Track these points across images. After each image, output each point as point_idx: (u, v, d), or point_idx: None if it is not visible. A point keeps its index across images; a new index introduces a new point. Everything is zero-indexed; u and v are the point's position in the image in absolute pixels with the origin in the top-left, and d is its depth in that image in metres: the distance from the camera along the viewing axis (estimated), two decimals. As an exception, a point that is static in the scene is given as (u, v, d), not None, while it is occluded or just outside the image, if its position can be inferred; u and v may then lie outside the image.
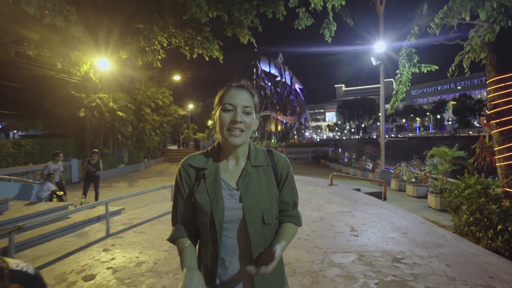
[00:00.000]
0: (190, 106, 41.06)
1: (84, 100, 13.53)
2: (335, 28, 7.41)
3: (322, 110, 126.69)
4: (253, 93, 1.12)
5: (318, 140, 55.37)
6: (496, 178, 5.26)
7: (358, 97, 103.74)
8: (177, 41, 7.96)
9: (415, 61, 7.38)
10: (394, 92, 8.01)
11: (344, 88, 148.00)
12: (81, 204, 7.86)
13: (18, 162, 10.73)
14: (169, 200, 7.27)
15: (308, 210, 5.63)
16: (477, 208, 4.82)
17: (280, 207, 1.16)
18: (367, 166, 16.36)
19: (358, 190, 8.86)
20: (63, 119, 14.49)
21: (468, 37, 4.85)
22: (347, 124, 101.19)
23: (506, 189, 4.64)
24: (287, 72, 34.17)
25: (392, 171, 11.92)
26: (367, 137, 71.75)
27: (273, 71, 34.96)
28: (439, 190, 7.83)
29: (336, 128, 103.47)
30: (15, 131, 33.00)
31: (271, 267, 0.93)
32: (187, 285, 0.89)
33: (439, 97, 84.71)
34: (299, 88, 38.27)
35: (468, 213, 5.01)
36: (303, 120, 43.50)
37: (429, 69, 8.06)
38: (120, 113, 14.32)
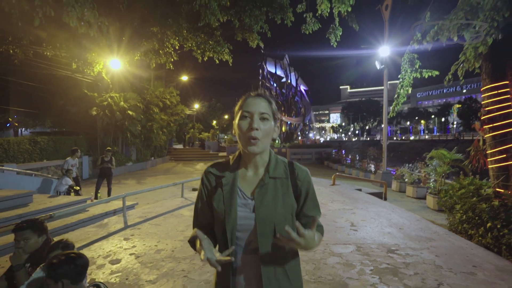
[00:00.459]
0: (196, 105, 41.52)
1: (96, 99, 14.00)
2: (340, 33, 7.73)
3: (327, 111, 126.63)
4: (270, 101, 1.12)
5: (322, 141, 55.60)
6: (489, 180, 5.58)
7: (363, 98, 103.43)
8: (190, 44, 8.36)
9: (417, 66, 7.72)
10: (396, 96, 8.34)
11: (349, 90, 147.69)
12: (96, 198, 8.32)
13: (33, 158, 11.21)
14: (179, 197, 7.67)
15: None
16: (470, 207, 5.15)
17: (303, 220, 1.15)
18: (369, 168, 16.64)
19: (360, 190, 9.19)
20: (75, 117, 14.99)
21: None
22: (352, 125, 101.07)
23: (497, 189, 4.97)
24: (292, 74, 34.47)
25: (394, 172, 12.22)
26: (370, 139, 71.79)
27: (279, 72, 35.29)
28: (437, 191, 8.14)
29: (340, 130, 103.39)
30: (23, 128, 33.71)
31: (301, 237, 0.93)
32: (205, 248, 0.95)
33: (444, 100, 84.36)
34: (304, 89, 38.54)
35: (461, 212, 5.33)
36: (307, 121, 43.77)
37: (430, 74, 8.40)
38: (130, 112, 14.79)
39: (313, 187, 1.17)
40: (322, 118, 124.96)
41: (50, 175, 8.49)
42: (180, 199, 7.25)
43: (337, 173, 11.77)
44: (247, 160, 1.13)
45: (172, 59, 9.22)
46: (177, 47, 9.13)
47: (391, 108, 8.80)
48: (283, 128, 34.29)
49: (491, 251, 4.28)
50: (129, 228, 4.96)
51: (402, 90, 8.27)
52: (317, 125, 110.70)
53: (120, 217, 5.73)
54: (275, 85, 36.41)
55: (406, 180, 10.70)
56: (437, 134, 69.79)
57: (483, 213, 4.80)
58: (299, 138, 36.83)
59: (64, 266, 1.72)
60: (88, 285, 1.86)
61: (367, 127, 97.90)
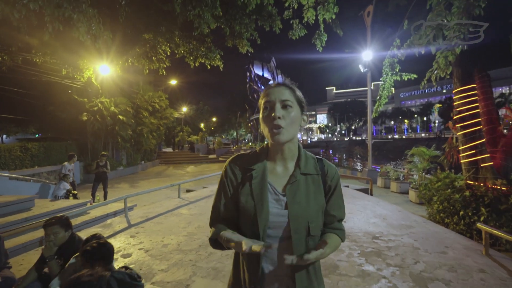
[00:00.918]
0: (184, 109, 41.53)
1: (86, 105, 14.07)
2: (326, 39, 8.20)
3: (314, 113, 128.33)
4: (292, 88, 1.06)
5: (309, 142, 56.44)
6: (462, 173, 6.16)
7: (349, 99, 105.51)
8: (182, 51, 8.67)
9: (397, 70, 8.29)
10: (378, 97, 8.90)
11: (335, 91, 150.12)
12: (93, 202, 8.49)
13: (25, 165, 11.22)
14: (175, 198, 7.96)
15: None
16: (445, 198, 5.69)
17: (326, 219, 1.10)
18: (356, 166, 17.30)
19: (347, 187, 9.71)
20: (65, 123, 14.98)
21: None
22: (338, 126, 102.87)
23: (468, 181, 5.53)
24: (279, 76, 35.08)
25: (379, 170, 12.84)
26: (357, 139, 73.38)
27: (266, 74, 35.83)
28: (418, 186, 8.74)
29: (327, 130, 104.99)
30: (4, 135, 32.82)
31: (310, 257, 0.89)
32: (243, 239, 0.93)
33: (426, 100, 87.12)
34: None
35: (438, 203, 5.88)
36: (295, 122, 44.42)
37: (409, 77, 9.00)
38: (121, 117, 14.91)
39: (340, 186, 1.13)
40: (309, 119, 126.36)
41: (47, 181, 8.60)
42: (177, 200, 7.54)
43: (325, 172, 12.25)
44: (274, 152, 1.08)
45: (165, 65, 9.50)
46: (169, 53, 9.41)
47: (374, 108, 9.35)
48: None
49: (464, 236, 4.80)
50: (133, 227, 5.25)
51: (383, 92, 8.83)
52: (306, 125, 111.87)
53: (121, 217, 5.99)
54: (262, 87, 36.90)
55: (390, 176, 11.31)
56: (420, 132, 72.04)
57: (456, 203, 5.35)
58: (287, 139, 37.42)
59: (97, 252, 2.08)
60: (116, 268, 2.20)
61: (353, 127, 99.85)
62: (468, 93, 5.71)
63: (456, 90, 5.92)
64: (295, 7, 7.60)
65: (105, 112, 14.42)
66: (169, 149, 32.89)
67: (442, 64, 5.01)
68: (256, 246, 0.86)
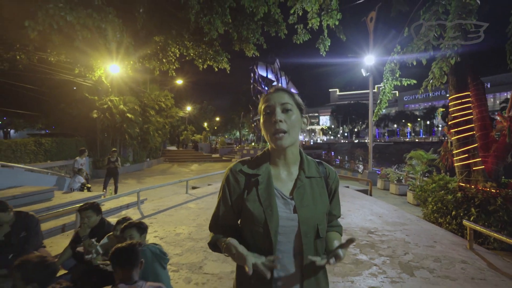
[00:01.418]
0: (188, 108, 41.99)
1: (96, 102, 14.53)
2: (329, 44, 8.52)
3: (316, 114, 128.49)
4: (291, 93, 1.08)
5: (312, 143, 56.75)
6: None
7: (352, 101, 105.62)
8: (192, 54, 9.08)
9: (397, 75, 8.60)
10: (378, 101, 9.23)
11: (338, 93, 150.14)
12: (105, 195, 8.92)
13: (38, 159, 11.69)
14: (182, 193, 8.36)
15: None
16: (439, 199, 6.04)
17: (327, 219, 1.13)
18: (357, 168, 17.64)
19: (347, 187, 10.06)
20: (76, 119, 15.45)
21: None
22: (341, 128, 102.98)
23: (460, 183, 5.89)
24: (283, 78, 35.38)
25: (379, 172, 13.18)
26: (358, 141, 73.61)
27: (270, 76, 36.10)
28: (415, 187, 9.08)
29: (330, 132, 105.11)
30: (12, 130, 33.43)
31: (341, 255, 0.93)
32: (247, 254, 0.90)
33: (430, 104, 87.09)
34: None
35: (432, 203, 6.22)
36: (298, 123, 44.63)
37: (409, 82, 9.33)
38: (129, 115, 15.37)
39: (339, 186, 1.19)
40: (312, 121, 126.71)
41: (63, 174, 9.04)
42: (185, 195, 7.95)
43: (327, 173, 12.61)
44: (277, 157, 1.08)
45: (174, 67, 9.91)
46: (178, 55, 9.83)
47: (374, 112, 9.68)
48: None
49: (456, 234, 5.15)
50: (146, 218, 5.65)
51: (384, 97, 9.15)
52: (307, 127, 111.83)
53: (135, 209, 6.41)
54: (266, 88, 37.22)
55: (390, 178, 11.64)
56: (423, 136, 72.13)
57: (449, 204, 5.70)
58: (290, 140, 37.67)
59: (133, 228, 2.49)
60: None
61: (356, 130, 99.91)
62: (463, 100, 6.05)
63: (451, 97, 6.27)
64: (300, 14, 7.94)
65: (114, 110, 14.87)
66: (173, 147, 33.39)
67: (437, 74, 5.37)
68: (260, 264, 0.88)
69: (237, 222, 1.11)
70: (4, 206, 3.22)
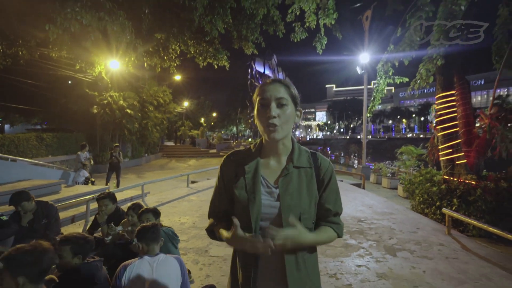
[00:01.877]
0: (185, 103, 42.11)
1: (96, 98, 14.74)
2: (325, 42, 8.83)
3: (313, 110, 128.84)
4: (287, 85, 1.08)
5: (308, 139, 57.24)
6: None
7: (348, 97, 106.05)
8: (193, 52, 9.37)
9: (390, 74, 8.96)
10: (372, 98, 9.60)
11: (334, 88, 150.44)
12: (109, 189, 9.24)
13: (40, 154, 11.94)
14: (183, 187, 8.71)
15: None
16: (425, 191, 6.47)
17: (320, 213, 1.11)
18: (352, 163, 18.10)
19: (341, 181, 10.49)
20: (75, 115, 15.66)
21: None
22: (337, 124, 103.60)
23: (445, 176, 6.31)
24: (280, 73, 35.67)
25: (372, 167, 13.63)
26: (354, 137, 74.32)
27: (267, 71, 36.37)
28: (404, 181, 9.52)
29: (326, 128, 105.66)
30: (8, 125, 33.27)
31: (278, 237, 0.92)
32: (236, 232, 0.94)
33: (425, 100, 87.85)
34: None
35: (419, 195, 6.65)
36: (294, 119, 44.98)
37: (401, 80, 9.69)
38: (129, 111, 15.61)
39: (335, 179, 1.15)
40: (308, 116, 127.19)
41: (67, 168, 9.34)
42: (186, 189, 8.31)
43: (322, 167, 13.03)
44: (269, 148, 1.12)
45: (175, 64, 10.18)
46: (178, 52, 10.10)
47: (368, 108, 10.06)
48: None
49: (439, 223, 5.58)
50: (151, 209, 6.00)
51: (377, 94, 9.52)
52: (303, 123, 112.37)
53: (139, 202, 6.74)
54: (263, 84, 37.38)
55: (382, 172, 12.09)
56: (418, 132, 73.00)
57: (434, 195, 6.13)
58: (287, 135, 38.06)
59: (150, 213, 2.85)
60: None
61: (351, 126, 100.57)
62: (448, 99, 6.46)
63: (438, 96, 6.67)
64: (298, 13, 8.24)
65: (114, 105, 15.10)
66: (171, 143, 33.62)
67: (424, 75, 5.75)
68: (244, 234, 0.94)
69: (232, 209, 1.14)
70: (27, 196, 3.57)
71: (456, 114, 6.39)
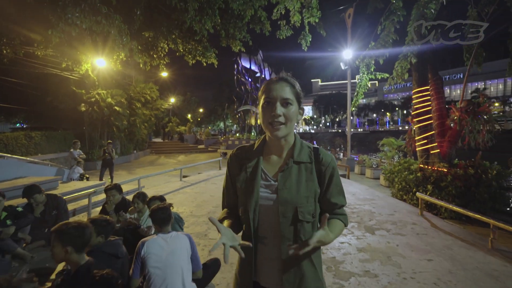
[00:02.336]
0: (172, 99, 41.92)
1: (84, 96, 14.71)
2: (310, 39, 9.23)
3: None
4: (293, 84, 1.11)
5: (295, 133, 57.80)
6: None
7: (333, 91, 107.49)
8: (182, 50, 9.60)
9: (372, 70, 9.46)
10: (355, 93, 10.10)
11: (320, 83, 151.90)
12: (104, 184, 9.44)
13: (29, 152, 11.93)
14: (176, 181, 9.02)
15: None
16: (403, 179, 7.03)
17: (326, 207, 1.16)
18: (337, 156, 18.75)
19: (327, 173, 11.01)
20: (63, 112, 15.58)
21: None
22: (323, 118, 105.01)
23: (420, 165, 6.89)
24: (266, 69, 35.97)
25: (357, 159, 14.27)
26: (340, 131, 75.82)
27: (253, 67, 36.57)
28: (386, 171, 10.14)
29: (312, 122, 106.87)
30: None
31: (304, 249, 0.92)
32: (223, 234, 0.94)
33: (407, 93, 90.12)
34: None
35: (398, 183, 7.22)
36: (281, 114, 45.41)
37: (382, 76, 10.23)
38: (117, 108, 15.64)
39: (338, 173, 1.18)
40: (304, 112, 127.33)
41: (61, 165, 9.45)
42: (180, 182, 8.63)
43: (309, 160, 13.56)
44: (271, 143, 1.16)
45: (165, 62, 10.38)
46: (167, 50, 10.29)
47: (352, 103, 10.59)
48: (258, 121, 35.86)
49: (415, 207, 6.13)
50: (148, 202, 6.32)
51: (360, 89, 10.03)
52: (302, 117, 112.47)
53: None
54: (250, 79, 37.72)
55: (366, 164, 12.72)
56: (402, 124, 75.10)
57: (411, 182, 6.69)
58: (274, 130, 38.49)
59: (157, 200, 3.20)
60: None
61: (337, 119, 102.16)
62: (423, 93, 7.02)
63: (414, 91, 7.22)
64: (283, 12, 8.61)
65: (102, 103, 15.11)
66: (159, 139, 33.55)
67: (399, 71, 6.26)
68: (227, 246, 0.90)
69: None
70: (39, 189, 3.86)
71: (430, 107, 6.95)
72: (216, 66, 10.60)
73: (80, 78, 14.88)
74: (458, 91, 79.13)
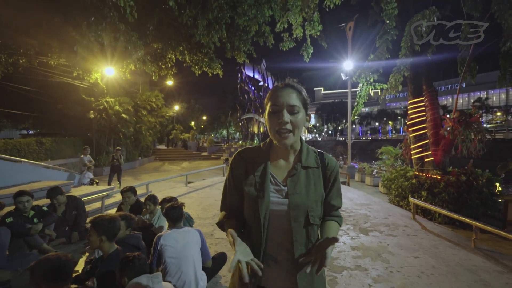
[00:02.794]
0: (176, 107, 42.53)
1: (92, 103, 15.23)
2: (312, 51, 9.65)
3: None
4: (299, 90, 1.10)
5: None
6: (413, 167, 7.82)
7: (336, 100, 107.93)
8: (189, 61, 10.08)
9: (371, 80, 9.83)
10: (356, 103, 10.47)
11: (323, 91, 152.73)
12: (113, 188, 9.80)
13: (40, 158, 12.37)
14: (180, 187, 9.38)
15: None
16: (399, 186, 7.35)
17: (326, 208, 1.18)
18: (340, 164, 19.07)
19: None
20: (73, 120, 16.10)
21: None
22: (325, 126, 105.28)
23: (416, 172, 7.21)
24: (269, 78, 36.54)
25: (357, 166, 14.57)
26: (342, 139, 76.07)
27: (257, 76, 37.15)
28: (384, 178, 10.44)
29: (315, 130, 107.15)
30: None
31: (328, 259, 0.95)
32: (238, 251, 0.95)
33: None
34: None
35: (395, 189, 7.53)
36: (283, 122, 45.80)
37: (381, 87, 10.61)
38: (124, 115, 16.13)
39: (339, 177, 1.21)
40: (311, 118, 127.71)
41: (72, 171, 9.86)
42: (185, 187, 9.00)
43: (310, 168, 13.89)
44: (278, 148, 1.15)
45: (172, 72, 10.85)
46: (174, 61, 10.78)
47: (352, 112, 10.96)
48: (261, 129, 36.31)
49: (409, 211, 6.43)
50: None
51: (360, 99, 10.40)
52: (309, 124, 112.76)
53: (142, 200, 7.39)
54: (253, 88, 38.29)
55: (365, 171, 13.02)
56: (403, 133, 75.18)
57: (407, 189, 7.01)
58: (276, 138, 38.85)
59: (171, 198, 3.56)
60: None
61: (339, 128, 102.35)
62: (419, 104, 7.39)
63: (409, 102, 7.60)
64: (285, 26, 9.06)
65: (110, 110, 15.61)
66: (163, 146, 34.02)
67: (393, 84, 6.65)
68: (250, 264, 0.93)
69: (242, 204, 1.18)
70: (61, 191, 4.25)
71: (425, 117, 7.31)
72: (221, 76, 11.06)
73: (89, 86, 15.42)
74: (461, 100, 79.40)
